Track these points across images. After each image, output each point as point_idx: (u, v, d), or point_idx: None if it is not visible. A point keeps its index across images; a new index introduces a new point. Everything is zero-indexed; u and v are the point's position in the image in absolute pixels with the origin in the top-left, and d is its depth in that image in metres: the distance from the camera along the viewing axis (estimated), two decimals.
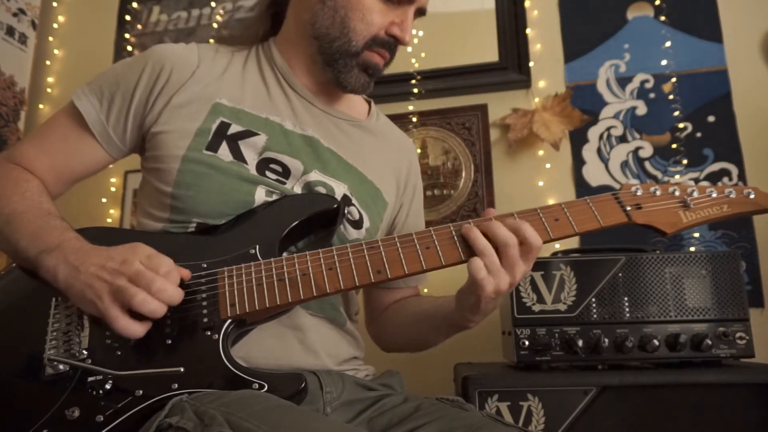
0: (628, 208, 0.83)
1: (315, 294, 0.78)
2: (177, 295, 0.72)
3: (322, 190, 0.90)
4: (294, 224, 0.84)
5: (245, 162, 0.88)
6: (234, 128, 0.90)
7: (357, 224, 0.93)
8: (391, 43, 0.94)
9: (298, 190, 0.90)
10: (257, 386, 0.72)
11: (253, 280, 0.78)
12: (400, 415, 0.83)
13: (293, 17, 0.99)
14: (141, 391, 0.71)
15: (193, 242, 0.84)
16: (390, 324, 1.06)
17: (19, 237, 0.80)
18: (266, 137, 0.91)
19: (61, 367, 0.73)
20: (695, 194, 0.83)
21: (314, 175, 0.91)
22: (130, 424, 0.70)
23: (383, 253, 0.79)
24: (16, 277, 0.82)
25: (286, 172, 0.90)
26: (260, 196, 0.87)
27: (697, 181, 1.59)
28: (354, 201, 0.94)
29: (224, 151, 0.88)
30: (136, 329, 0.71)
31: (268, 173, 0.89)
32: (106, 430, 0.69)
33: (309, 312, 0.88)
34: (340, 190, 0.92)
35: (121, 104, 0.92)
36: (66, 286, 0.74)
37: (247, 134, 0.90)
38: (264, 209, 0.86)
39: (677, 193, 0.84)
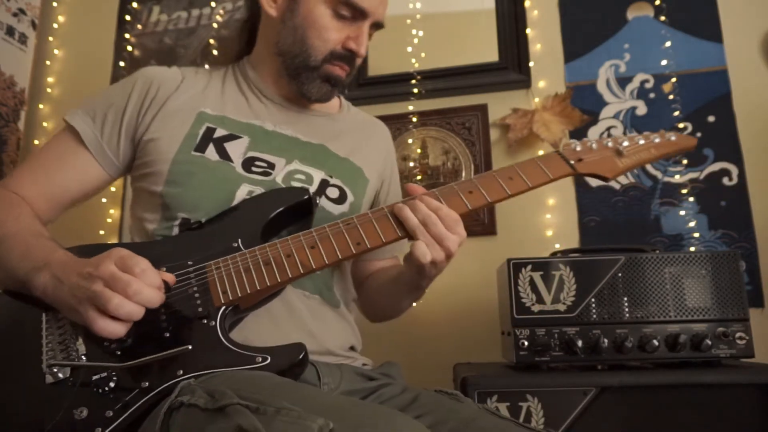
0: (572, 162, 0.92)
1: (302, 272, 0.81)
2: (154, 296, 0.72)
3: (301, 177, 0.97)
4: (271, 216, 0.88)
5: (231, 161, 0.95)
6: (219, 132, 0.97)
7: (340, 200, 0.99)
8: (348, 56, 1.01)
9: (280, 180, 0.96)
10: (260, 359, 0.74)
11: (241, 267, 0.81)
12: (398, 405, 0.84)
13: (262, 38, 1.08)
14: (147, 383, 0.72)
15: (177, 244, 0.87)
16: (369, 291, 1.12)
17: (11, 257, 0.82)
18: (249, 139, 0.98)
19: (60, 375, 0.73)
20: (626, 143, 0.94)
21: (294, 165, 0.98)
22: (139, 415, 0.70)
23: (359, 227, 0.84)
24: (3, 303, 0.83)
25: (270, 167, 0.97)
26: (242, 193, 0.92)
27: (697, 181, 1.59)
28: (334, 181, 1.00)
29: (211, 152, 0.95)
30: (115, 328, 0.71)
31: (253, 168, 0.95)
32: (116, 423, 0.70)
33: (302, 293, 0.92)
34: (318, 176, 0.99)
35: (113, 119, 0.98)
36: (54, 300, 0.76)
37: (231, 137, 0.97)
38: (243, 205, 0.90)
39: (610, 145, 0.94)
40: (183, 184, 0.91)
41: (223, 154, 0.95)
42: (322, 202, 0.97)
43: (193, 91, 1.01)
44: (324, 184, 0.99)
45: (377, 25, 1.03)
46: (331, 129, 1.08)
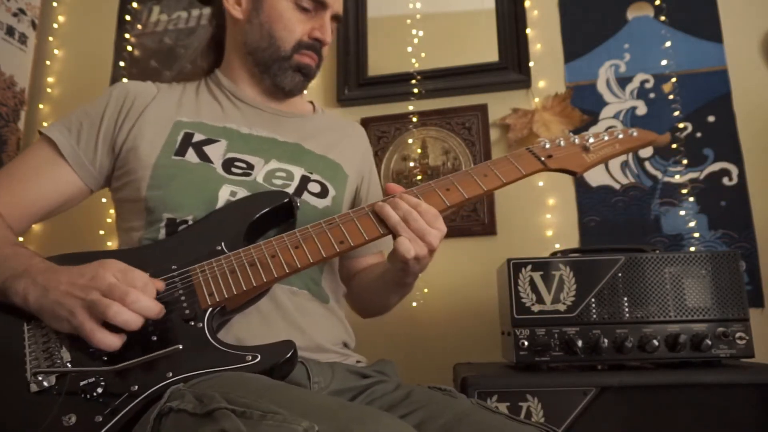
0: (543, 158, 0.94)
1: (287, 271, 0.82)
2: (153, 307, 0.73)
3: (282, 174, 0.99)
4: (253, 219, 0.89)
5: (212, 162, 0.97)
6: (197, 137, 1.00)
7: (322, 194, 1.02)
8: (316, 46, 1.06)
9: (260, 179, 0.97)
10: (250, 358, 0.74)
11: (226, 269, 0.82)
12: (390, 402, 0.85)
13: (231, 43, 1.12)
14: (136, 386, 0.71)
15: (160, 250, 0.87)
16: (357, 289, 1.14)
17: None
18: (226, 142, 1.01)
19: (45, 383, 0.72)
20: (592, 140, 0.98)
21: (273, 164, 1.00)
22: (129, 419, 0.69)
23: (341, 226, 0.85)
24: None
25: (249, 167, 0.99)
26: (225, 193, 0.93)
27: (697, 181, 1.59)
28: (315, 177, 1.03)
29: (191, 155, 0.97)
30: (113, 341, 0.72)
31: (233, 169, 0.97)
32: (106, 428, 0.69)
33: (290, 289, 0.92)
34: (298, 173, 1.01)
35: (89, 129, 0.99)
36: (37, 307, 0.75)
37: (209, 141, 1.00)
38: (224, 210, 0.91)
39: (577, 142, 0.97)
40: (165, 187, 0.93)
41: (204, 157, 0.97)
42: (305, 196, 0.99)
43: (169, 103, 1.04)
44: (305, 180, 1.01)
45: (337, 18, 1.09)
46: (306, 129, 1.11)
